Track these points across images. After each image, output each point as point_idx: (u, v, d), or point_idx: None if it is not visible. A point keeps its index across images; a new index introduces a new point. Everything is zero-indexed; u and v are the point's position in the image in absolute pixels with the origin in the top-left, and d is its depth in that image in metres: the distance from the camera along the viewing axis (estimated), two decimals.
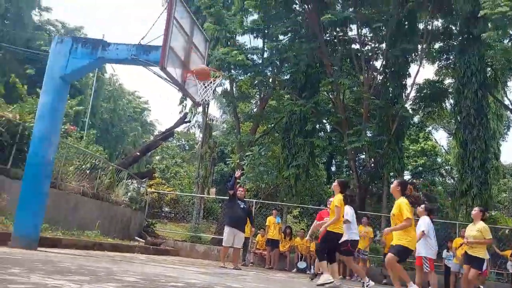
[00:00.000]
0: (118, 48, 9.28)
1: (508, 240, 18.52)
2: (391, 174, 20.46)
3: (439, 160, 33.56)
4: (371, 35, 23.03)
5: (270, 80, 24.30)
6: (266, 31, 23.71)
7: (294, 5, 22.66)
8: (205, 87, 10.15)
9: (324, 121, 25.31)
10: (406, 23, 21.16)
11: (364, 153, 23.30)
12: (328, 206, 10.48)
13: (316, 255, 9.90)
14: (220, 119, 36.74)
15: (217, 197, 25.38)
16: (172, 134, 25.53)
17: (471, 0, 19.05)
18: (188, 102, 26.44)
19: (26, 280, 4.20)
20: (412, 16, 20.94)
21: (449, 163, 32.33)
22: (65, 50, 9.29)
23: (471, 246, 9.65)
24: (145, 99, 57.31)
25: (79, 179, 14.12)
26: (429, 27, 21.63)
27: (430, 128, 32.23)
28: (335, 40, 22.63)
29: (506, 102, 25.32)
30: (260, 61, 23.94)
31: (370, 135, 21.35)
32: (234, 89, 24.94)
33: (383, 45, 22.30)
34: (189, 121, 30.01)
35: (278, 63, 23.95)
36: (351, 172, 25.91)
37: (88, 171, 14.64)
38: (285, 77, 24.48)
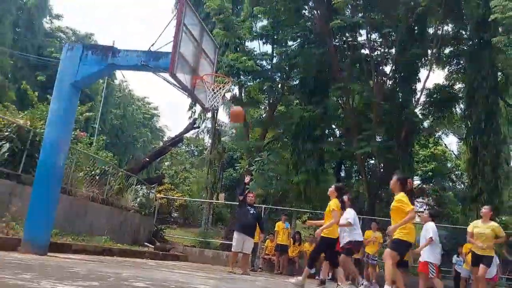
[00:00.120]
0: (128, 54, 9.32)
1: None
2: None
3: (449, 165, 33.34)
4: (381, 40, 22.96)
5: (279, 85, 24.33)
6: (275, 37, 23.76)
7: (303, 11, 22.70)
8: (214, 93, 10.16)
9: (334, 126, 25.28)
10: (416, 28, 21.10)
11: (373, 158, 23.22)
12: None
13: (308, 260, 9.92)
14: (229, 124, 36.77)
15: (226, 202, 25.36)
16: (182, 139, 25.61)
17: (481, 4, 19.00)
18: (197, 108, 26.55)
19: (36, 285, 4.22)
20: (422, 21, 20.86)
21: (459, 168, 32.10)
22: (75, 57, 9.34)
23: (484, 247, 9.38)
24: (154, 105, 57.57)
25: (89, 184, 14.16)
26: (439, 32, 21.55)
27: (440, 133, 32.05)
28: (345, 46, 22.62)
29: None
30: (269, 67, 23.98)
31: (380, 140, 21.28)
32: (243, 94, 24.97)
33: (393, 50, 22.25)
34: (198, 127, 30.09)
35: (287, 68, 23.96)
36: (360, 177, 25.83)
37: (97, 177, 14.66)
38: (294, 83, 24.51)
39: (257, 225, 12.76)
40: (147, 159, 21.25)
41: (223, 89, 10.32)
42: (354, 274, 10.00)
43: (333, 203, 8.92)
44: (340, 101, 24.25)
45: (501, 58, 20.83)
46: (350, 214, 9.80)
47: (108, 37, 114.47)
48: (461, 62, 22.73)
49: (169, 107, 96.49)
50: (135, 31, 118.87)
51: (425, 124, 24.58)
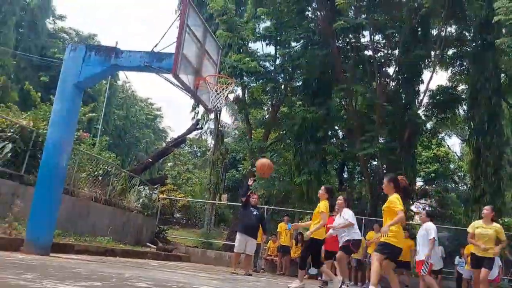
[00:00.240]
0: (131, 55, 9.33)
1: None
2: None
3: (452, 166, 33.27)
4: (384, 41, 22.91)
5: (282, 86, 24.31)
6: (278, 38, 23.74)
7: (307, 12, 22.66)
8: (217, 94, 10.17)
9: (336, 127, 25.24)
10: (419, 29, 21.04)
11: (376, 160, 23.18)
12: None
13: (299, 262, 9.98)
14: (232, 125, 36.78)
15: (228, 203, 25.37)
16: (184, 140, 25.60)
17: (485, 6, 18.97)
18: (200, 109, 26.57)
19: (39, 285, 4.22)
20: (425, 22, 20.81)
21: (462, 169, 32.02)
22: (78, 57, 9.35)
23: (486, 248, 9.18)
24: (157, 106, 57.65)
25: (92, 185, 14.19)
26: (443, 33, 21.49)
27: (443, 134, 31.99)
28: (348, 47, 22.57)
29: None
30: (272, 68, 23.96)
31: (383, 141, 21.24)
32: (246, 95, 24.95)
33: (396, 52, 22.21)
34: (201, 128, 30.16)
35: (290, 69, 23.94)
36: (363, 178, 25.79)
37: (100, 178, 14.69)
38: (297, 84, 24.48)
39: (260, 226, 12.78)
40: (150, 160, 21.28)
41: (226, 90, 10.32)
42: (343, 273, 9.98)
43: (323, 205, 9.04)
44: (343, 102, 24.22)
45: (505, 60, 20.79)
46: (349, 215, 9.83)
47: (109, 38, 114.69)
48: (464, 63, 22.69)
49: (171, 107, 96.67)
50: (136, 32, 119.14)
51: (428, 125, 24.55)
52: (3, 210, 9.70)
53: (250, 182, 13.01)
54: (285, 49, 23.46)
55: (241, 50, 22.75)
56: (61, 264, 7.23)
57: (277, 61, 23.96)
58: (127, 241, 14.83)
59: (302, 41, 23.41)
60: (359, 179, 29.12)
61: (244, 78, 22.80)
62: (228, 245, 18.80)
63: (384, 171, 21.25)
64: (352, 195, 27.54)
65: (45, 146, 9.31)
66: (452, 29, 22.25)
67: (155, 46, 9.09)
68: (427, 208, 29.28)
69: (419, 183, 30.21)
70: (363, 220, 16.66)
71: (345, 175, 29.54)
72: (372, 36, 22.15)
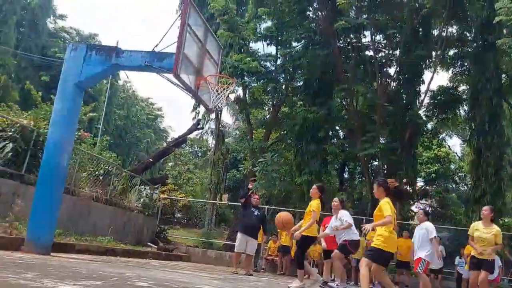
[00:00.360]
0: (132, 55, 9.33)
1: None
2: (404, 180, 20.31)
3: (452, 167, 33.27)
4: (385, 41, 22.91)
5: (283, 86, 24.31)
6: (279, 38, 23.74)
7: (308, 12, 22.65)
8: (218, 94, 10.17)
9: (337, 127, 25.24)
10: (420, 29, 21.04)
11: (377, 160, 23.18)
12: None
13: (295, 262, 10.00)
14: (232, 125, 36.79)
15: (229, 203, 25.37)
16: (185, 140, 25.63)
17: (486, 6, 18.97)
18: (201, 109, 26.56)
19: (39, 285, 4.22)
20: (426, 22, 20.80)
21: (463, 170, 32.04)
22: (79, 57, 9.35)
23: (483, 251, 9.15)
24: (158, 105, 57.66)
25: (93, 185, 14.19)
26: (444, 34, 21.47)
27: (444, 135, 31.98)
28: (349, 47, 22.56)
29: None
30: (273, 68, 23.96)
31: (383, 141, 21.24)
32: (247, 95, 24.95)
33: (397, 52, 22.20)
34: (202, 128, 30.12)
35: (291, 69, 23.94)
36: (364, 179, 25.78)
37: (101, 177, 14.70)
38: (298, 84, 24.48)
39: (261, 226, 12.77)
40: (151, 160, 21.29)
41: (227, 90, 10.32)
42: (337, 272, 9.98)
43: (316, 204, 9.10)
44: (344, 103, 24.21)
45: (506, 60, 20.80)
46: (347, 216, 9.82)
47: (109, 38, 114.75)
48: (465, 64, 22.69)
49: (172, 107, 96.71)
50: (136, 32, 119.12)
51: (429, 125, 24.54)
52: (4, 210, 9.70)
53: (250, 186, 13.07)
54: (286, 49, 23.46)
55: (242, 50, 22.75)
56: (62, 263, 7.23)
57: (278, 61, 23.97)
58: (128, 241, 14.83)
59: (303, 41, 23.41)
60: (360, 179, 29.14)
61: (245, 78, 22.80)
62: (228, 245, 18.80)
63: (385, 172, 21.26)
64: (352, 195, 27.55)
65: (46, 145, 9.31)
66: (453, 29, 22.25)
67: (156, 45, 9.09)
68: (427, 208, 29.28)
69: (419, 183, 30.20)
70: (364, 220, 16.59)
71: (345, 175, 29.56)
72: (373, 36, 22.15)
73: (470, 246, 9.75)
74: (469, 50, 21.75)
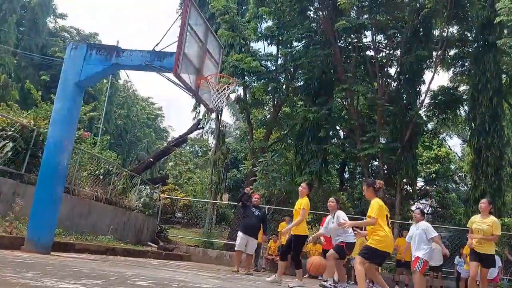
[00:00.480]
0: (132, 54, 9.32)
1: None
2: (404, 180, 20.32)
3: (452, 167, 33.29)
4: (386, 41, 22.90)
5: (284, 86, 24.32)
6: (280, 38, 23.76)
7: (309, 12, 22.64)
8: (219, 93, 10.16)
9: (338, 127, 25.24)
10: (421, 29, 21.03)
11: (377, 160, 23.18)
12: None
13: (294, 262, 10.03)
14: (233, 125, 36.81)
15: (229, 203, 25.37)
16: (186, 140, 25.59)
17: (486, 6, 18.97)
18: (202, 109, 26.56)
19: (39, 284, 4.22)
20: (427, 22, 20.80)
21: (463, 170, 32.05)
22: (79, 56, 9.35)
23: (481, 243, 9.12)
24: (158, 105, 57.66)
25: (93, 184, 14.18)
26: (444, 34, 21.46)
27: (444, 135, 32.01)
28: (350, 47, 22.56)
29: None
30: (274, 68, 23.97)
31: (384, 141, 21.24)
32: (248, 95, 24.96)
33: (398, 52, 22.20)
34: (203, 128, 30.13)
35: (291, 69, 23.96)
36: (364, 178, 25.78)
37: (101, 177, 14.68)
38: (299, 84, 24.49)
39: (261, 226, 12.77)
40: (151, 159, 21.25)
41: (227, 90, 10.32)
42: (330, 272, 9.98)
43: (306, 202, 9.45)
44: (344, 103, 24.22)
45: (506, 60, 20.83)
46: (343, 217, 9.80)
47: (110, 38, 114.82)
48: (466, 64, 22.70)
49: (173, 107, 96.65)
50: (137, 32, 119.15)
51: (429, 126, 24.55)
52: (4, 209, 9.71)
53: (246, 190, 13.11)
54: (287, 49, 23.47)
55: (243, 49, 22.76)
56: (62, 262, 7.23)
57: (279, 61, 23.99)
58: (128, 240, 14.83)
59: (303, 41, 23.43)
60: (360, 179, 29.13)
61: (246, 77, 22.82)
62: (229, 245, 18.80)
63: (385, 171, 21.27)
64: (353, 195, 27.54)
65: (46, 145, 9.31)
66: (453, 29, 22.25)
67: (157, 45, 9.09)
68: (426, 208, 29.30)
69: (419, 183, 30.23)
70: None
71: (346, 175, 29.58)
72: (374, 36, 22.14)
73: (469, 237, 9.66)
74: (470, 50, 21.75)
